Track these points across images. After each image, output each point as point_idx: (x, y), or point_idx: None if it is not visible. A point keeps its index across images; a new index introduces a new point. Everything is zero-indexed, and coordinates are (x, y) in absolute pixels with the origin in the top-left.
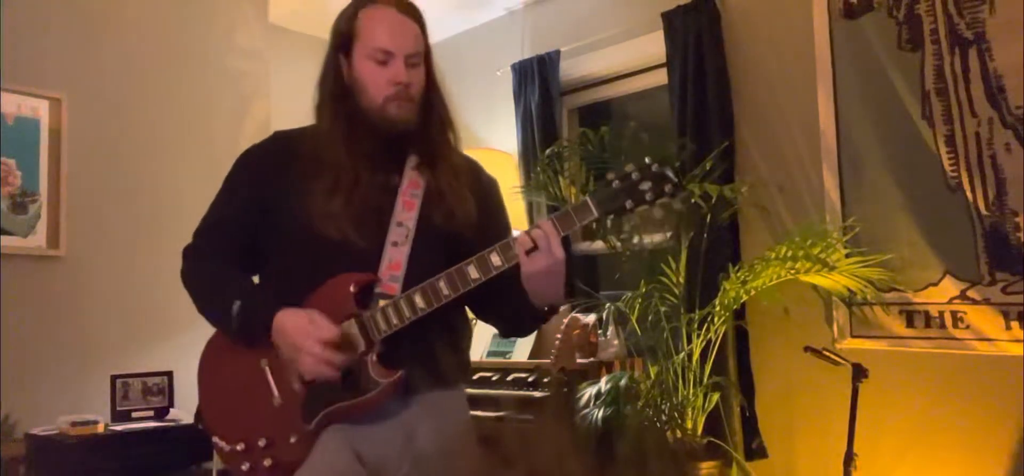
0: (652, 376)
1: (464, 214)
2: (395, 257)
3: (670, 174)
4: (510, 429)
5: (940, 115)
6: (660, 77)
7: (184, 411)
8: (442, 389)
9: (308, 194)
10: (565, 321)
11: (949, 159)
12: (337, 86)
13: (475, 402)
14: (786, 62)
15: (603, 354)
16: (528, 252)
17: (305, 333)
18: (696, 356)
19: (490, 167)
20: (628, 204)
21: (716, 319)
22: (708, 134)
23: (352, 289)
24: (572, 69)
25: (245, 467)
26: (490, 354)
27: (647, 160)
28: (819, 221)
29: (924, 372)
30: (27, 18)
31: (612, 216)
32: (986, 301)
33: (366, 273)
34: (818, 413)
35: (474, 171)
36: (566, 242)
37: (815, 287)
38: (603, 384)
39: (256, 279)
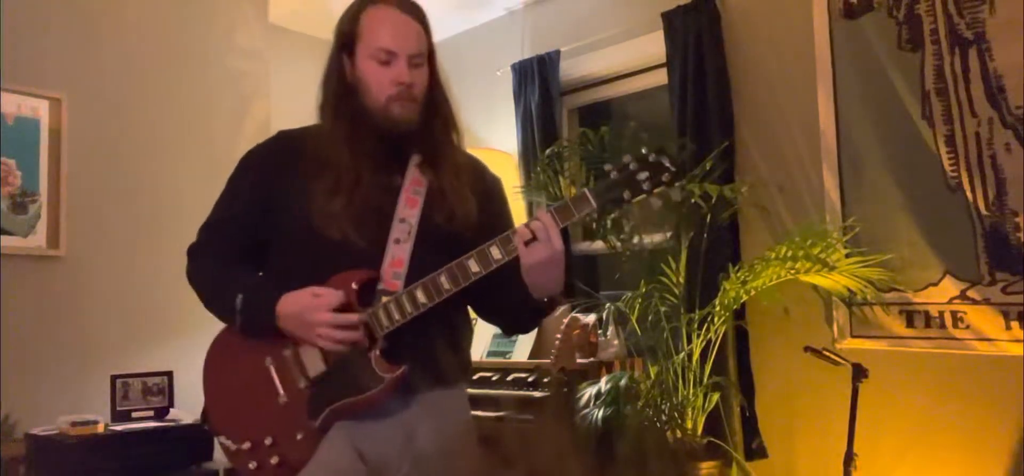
0: (652, 376)
1: (465, 214)
2: (398, 254)
3: (667, 162)
4: (510, 429)
5: (940, 115)
6: (660, 77)
7: (184, 411)
8: (443, 388)
9: (310, 194)
10: (565, 321)
11: (949, 159)
12: (340, 86)
13: (475, 402)
14: (786, 62)
15: (603, 354)
16: (527, 243)
17: (311, 307)
18: (696, 356)
19: (490, 167)
20: (626, 195)
21: (716, 319)
22: (708, 134)
23: (355, 286)
24: (572, 69)
25: (252, 466)
26: (490, 354)
27: (643, 151)
28: (819, 221)
29: (924, 372)
30: (27, 18)
31: (611, 209)
32: (986, 301)
33: (368, 270)
34: (818, 413)
35: (478, 170)
36: (566, 242)
37: (815, 287)
38: (603, 384)
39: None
